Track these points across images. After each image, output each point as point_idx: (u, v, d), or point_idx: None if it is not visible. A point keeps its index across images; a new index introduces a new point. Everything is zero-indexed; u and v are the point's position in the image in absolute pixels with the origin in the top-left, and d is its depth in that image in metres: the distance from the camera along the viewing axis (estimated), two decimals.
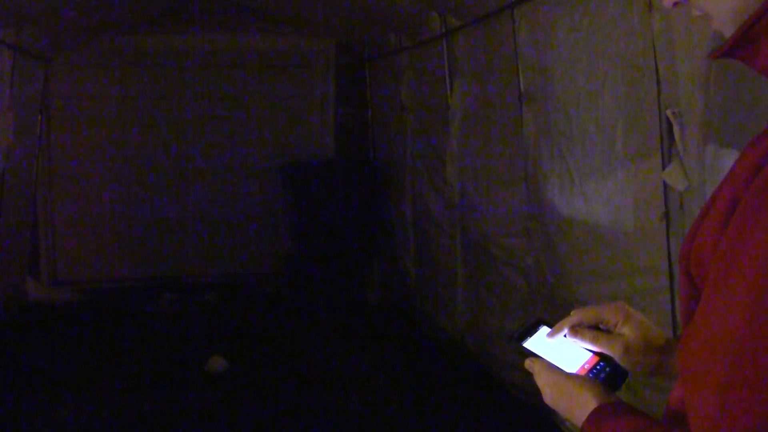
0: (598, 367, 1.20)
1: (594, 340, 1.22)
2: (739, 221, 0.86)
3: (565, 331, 1.25)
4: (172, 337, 5.92)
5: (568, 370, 1.20)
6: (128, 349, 5.63)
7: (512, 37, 4.19)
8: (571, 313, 1.28)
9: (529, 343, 1.28)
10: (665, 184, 2.90)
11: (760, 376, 0.79)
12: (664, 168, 2.88)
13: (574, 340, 1.24)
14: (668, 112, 2.81)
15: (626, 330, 1.22)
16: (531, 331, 1.30)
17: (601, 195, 3.43)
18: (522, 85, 4.16)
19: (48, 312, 6.57)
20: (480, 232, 4.94)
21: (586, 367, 1.20)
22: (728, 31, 0.95)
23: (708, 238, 0.92)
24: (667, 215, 2.92)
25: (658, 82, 2.88)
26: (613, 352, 1.20)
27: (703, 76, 2.64)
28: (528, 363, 1.25)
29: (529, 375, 1.26)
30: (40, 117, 6.94)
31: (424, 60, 5.81)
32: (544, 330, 1.29)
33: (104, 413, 4.49)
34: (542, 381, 1.21)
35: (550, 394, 1.20)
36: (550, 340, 1.26)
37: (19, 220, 6.49)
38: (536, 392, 1.25)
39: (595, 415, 1.09)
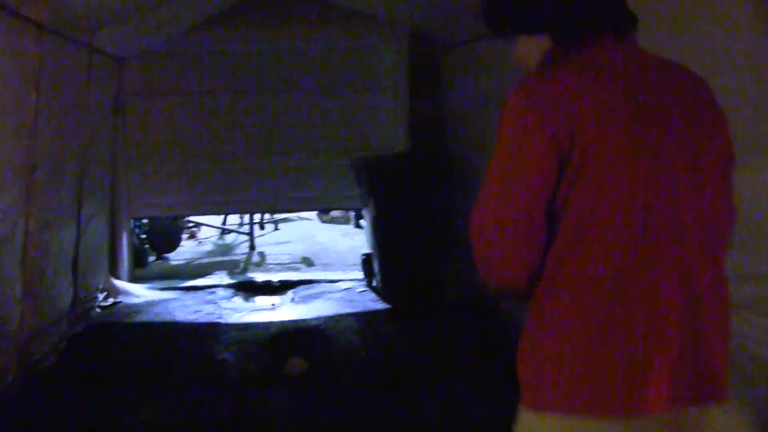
0: None
1: None
2: None
3: None
4: (252, 339, 5.84)
5: None
6: (208, 350, 5.57)
7: None
8: None
9: None
10: None
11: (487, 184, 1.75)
12: None
13: None
14: None
15: None
16: None
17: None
18: None
19: (129, 313, 6.56)
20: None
21: None
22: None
23: None
24: None
25: None
26: None
27: None
28: None
29: None
30: (114, 117, 6.93)
31: (507, 48, 5.54)
32: None
33: (186, 414, 4.43)
34: None
35: None
36: None
37: (99, 222, 6.49)
38: None
39: None
